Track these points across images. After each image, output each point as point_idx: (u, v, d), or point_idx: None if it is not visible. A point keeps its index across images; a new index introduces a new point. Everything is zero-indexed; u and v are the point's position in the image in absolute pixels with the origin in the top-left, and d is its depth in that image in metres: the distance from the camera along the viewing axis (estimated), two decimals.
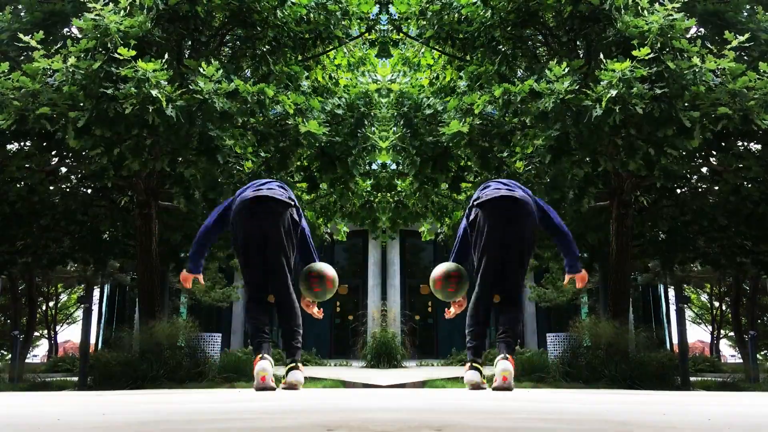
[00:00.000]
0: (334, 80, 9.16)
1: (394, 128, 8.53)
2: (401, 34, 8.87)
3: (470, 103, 7.10)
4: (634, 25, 5.93)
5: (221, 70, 6.20)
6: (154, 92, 5.64)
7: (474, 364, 3.79)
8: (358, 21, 8.42)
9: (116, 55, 5.78)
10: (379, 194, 9.91)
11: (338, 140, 7.92)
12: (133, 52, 5.72)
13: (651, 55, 5.71)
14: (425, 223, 11.48)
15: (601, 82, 5.77)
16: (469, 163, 8.16)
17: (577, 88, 6.00)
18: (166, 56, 6.12)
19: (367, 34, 8.82)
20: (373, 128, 8.47)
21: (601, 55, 6.06)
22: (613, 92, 5.60)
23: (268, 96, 6.52)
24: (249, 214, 3.74)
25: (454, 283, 3.94)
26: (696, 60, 5.75)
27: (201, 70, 6.14)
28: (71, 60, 5.82)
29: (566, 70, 6.06)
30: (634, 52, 5.66)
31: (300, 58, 8.14)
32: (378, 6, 8.52)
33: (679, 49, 5.92)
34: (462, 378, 4.16)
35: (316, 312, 4.15)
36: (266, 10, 7.12)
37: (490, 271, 3.77)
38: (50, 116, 6.00)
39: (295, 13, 7.47)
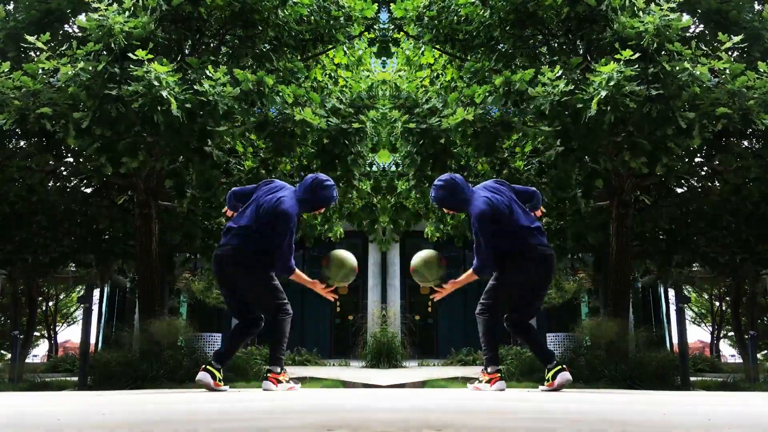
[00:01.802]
0: (333, 79, 9.16)
1: (395, 111, 8.47)
2: (401, 33, 8.87)
3: (470, 95, 7.10)
4: (630, 26, 5.95)
5: (228, 76, 6.22)
6: (164, 93, 5.66)
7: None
8: (359, 22, 8.44)
9: (127, 55, 5.79)
10: (379, 196, 9.88)
11: (335, 123, 7.88)
12: (151, 56, 5.76)
13: (637, 55, 5.74)
14: (429, 224, 11.46)
15: (593, 84, 5.80)
16: (470, 163, 8.16)
17: (572, 88, 6.02)
18: (172, 57, 6.14)
19: (366, 33, 8.83)
20: (371, 119, 8.44)
21: (593, 56, 6.10)
22: (603, 93, 5.64)
23: (268, 85, 6.52)
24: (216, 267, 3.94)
25: (445, 262, 4.18)
26: (687, 64, 5.78)
27: (207, 72, 6.16)
28: (80, 64, 5.83)
29: (560, 72, 6.08)
30: (617, 56, 5.71)
31: (300, 57, 8.14)
32: (377, 5, 8.52)
33: (673, 51, 5.93)
34: (461, 378, 4.28)
35: (323, 291, 4.14)
36: (267, 10, 7.12)
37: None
38: (50, 116, 6.00)
39: (296, 13, 7.47)
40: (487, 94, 6.85)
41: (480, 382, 4.10)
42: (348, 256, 4.12)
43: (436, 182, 4.06)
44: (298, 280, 3.98)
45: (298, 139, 7.22)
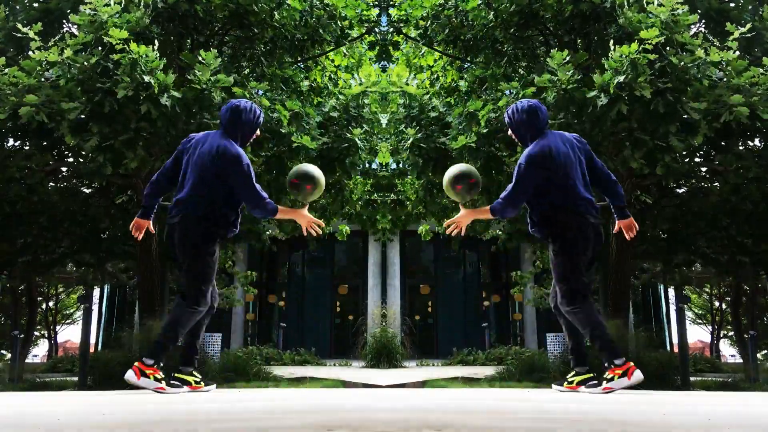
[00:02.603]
0: (333, 81, 9.17)
1: (408, 128, 8.54)
2: (401, 36, 8.88)
3: (474, 109, 7.11)
4: (637, 21, 5.94)
5: (219, 59, 6.17)
6: (146, 78, 5.62)
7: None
8: (358, 24, 8.44)
9: (111, 41, 5.75)
10: (379, 194, 9.91)
11: (328, 141, 7.93)
12: (126, 33, 5.67)
13: (658, 39, 5.64)
14: (425, 223, 11.50)
15: (608, 70, 5.73)
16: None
17: (579, 78, 5.98)
18: (157, 44, 6.09)
19: (366, 36, 8.83)
20: (360, 128, 8.50)
21: (611, 43, 6.03)
22: (621, 78, 5.56)
23: (264, 105, 6.55)
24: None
25: (467, 185, 3.67)
26: (700, 52, 5.74)
27: (199, 57, 6.11)
28: (67, 52, 5.81)
29: (567, 58, 6.02)
30: (642, 33, 5.55)
31: (298, 59, 8.16)
32: (378, 9, 8.53)
33: (682, 43, 5.92)
34: (461, 378, 4.13)
35: (309, 222, 3.61)
36: (264, 12, 7.13)
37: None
38: (47, 112, 6.00)
39: (292, 15, 7.48)
40: (490, 111, 6.85)
41: (608, 380, 3.43)
42: (313, 171, 3.62)
43: (522, 101, 3.65)
44: (284, 216, 3.60)
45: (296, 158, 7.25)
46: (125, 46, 5.66)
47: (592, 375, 3.64)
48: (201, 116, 6.24)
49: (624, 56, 5.59)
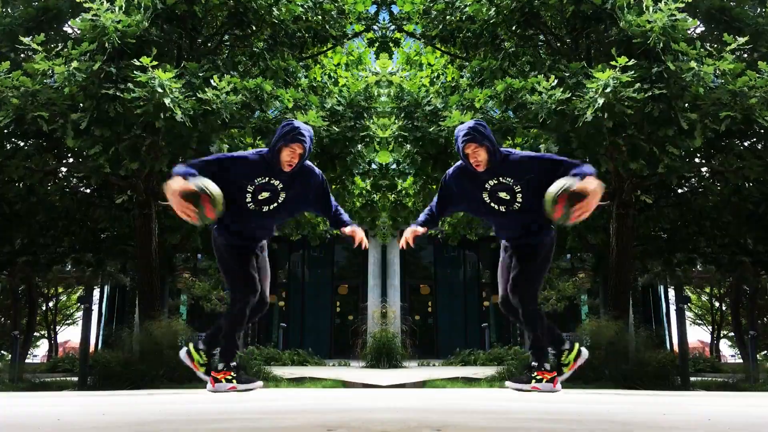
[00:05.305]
0: (333, 79, 9.17)
1: (395, 119, 8.54)
2: (403, 33, 8.88)
3: (472, 98, 7.13)
4: (636, 24, 5.96)
5: (232, 84, 6.28)
6: (167, 101, 5.71)
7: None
8: (356, 20, 8.45)
9: (124, 54, 5.83)
10: (378, 194, 9.89)
11: (336, 131, 7.92)
12: (155, 62, 5.81)
13: (637, 55, 5.78)
14: None
15: (589, 92, 5.86)
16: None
17: (569, 96, 6.07)
18: (169, 58, 6.17)
19: (366, 34, 8.83)
20: (371, 120, 8.51)
21: (595, 57, 6.13)
22: (600, 101, 5.68)
23: (266, 91, 6.57)
24: None
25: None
26: (693, 64, 5.80)
27: (212, 82, 6.22)
28: (74, 64, 5.86)
29: (555, 82, 6.14)
30: (612, 63, 5.73)
31: (298, 56, 8.17)
32: (376, 5, 8.53)
33: (678, 51, 5.95)
34: (461, 378, 4.05)
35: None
36: (262, 8, 7.14)
37: None
38: (47, 118, 6.02)
39: (291, 11, 7.49)
40: (488, 98, 6.88)
41: (538, 381, 3.25)
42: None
43: (471, 122, 3.39)
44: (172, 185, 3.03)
45: None
46: (151, 70, 5.75)
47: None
48: (205, 128, 6.32)
49: (601, 81, 5.70)
